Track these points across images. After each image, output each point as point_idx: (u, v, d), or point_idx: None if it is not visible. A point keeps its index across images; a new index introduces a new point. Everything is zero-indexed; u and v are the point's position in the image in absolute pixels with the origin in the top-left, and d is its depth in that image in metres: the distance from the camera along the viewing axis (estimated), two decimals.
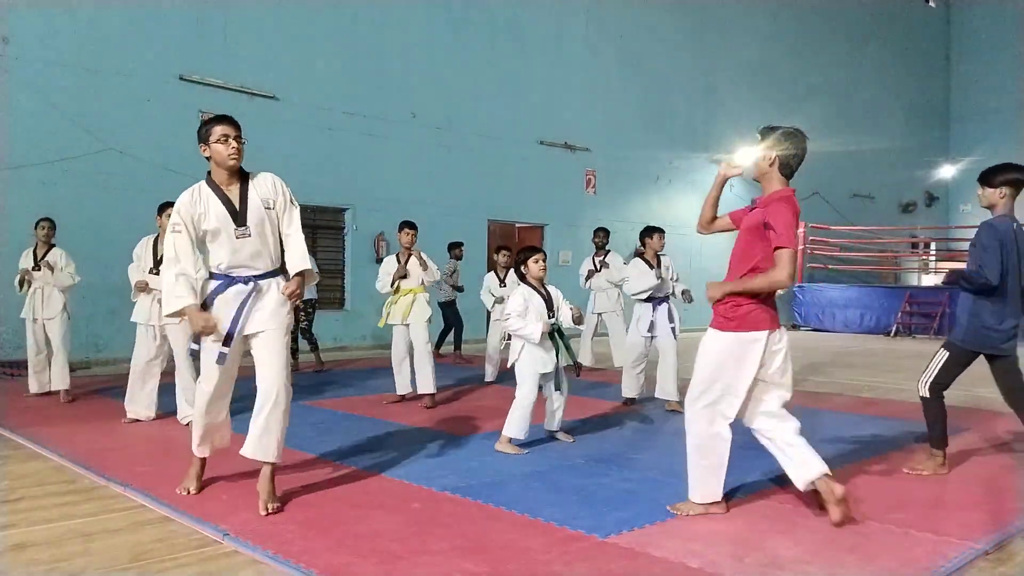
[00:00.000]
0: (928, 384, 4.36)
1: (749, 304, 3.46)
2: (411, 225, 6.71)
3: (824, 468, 3.41)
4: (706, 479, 3.56)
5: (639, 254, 6.60)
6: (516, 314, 4.90)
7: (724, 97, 17.53)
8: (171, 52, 9.93)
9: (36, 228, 6.82)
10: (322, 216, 11.49)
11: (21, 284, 6.72)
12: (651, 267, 6.44)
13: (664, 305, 6.43)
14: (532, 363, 4.92)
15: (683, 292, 6.49)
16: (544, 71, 14.12)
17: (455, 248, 10.42)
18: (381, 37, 11.95)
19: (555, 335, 5.02)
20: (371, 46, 11.83)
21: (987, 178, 4.23)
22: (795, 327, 17.22)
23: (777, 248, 3.37)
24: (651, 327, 6.39)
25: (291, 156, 10.37)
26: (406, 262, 6.57)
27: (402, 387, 6.67)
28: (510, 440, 4.88)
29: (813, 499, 3.78)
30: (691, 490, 3.59)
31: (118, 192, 9.35)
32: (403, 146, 12.13)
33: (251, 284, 3.67)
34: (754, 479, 4.16)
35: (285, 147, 10.43)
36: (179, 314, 3.63)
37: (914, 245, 21.90)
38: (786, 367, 3.55)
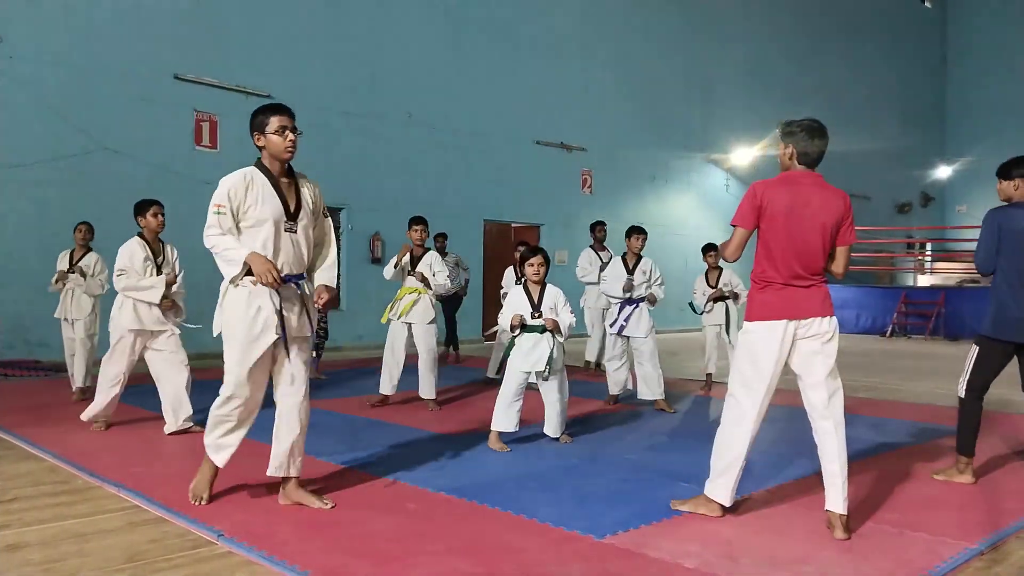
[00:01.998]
0: (964, 384, 4.24)
1: (760, 292, 3.44)
2: (419, 221, 6.45)
3: (837, 508, 3.29)
4: (716, 476, 3.52)
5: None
6: (500, 314, 5.11)
7: (720, 97, 17.55)
8: (165, 51, 9.91)
9: (74, 231, 6.84)
10: None
11: (58, 282, 6.75)
12: (628, 269, 6.51)
13: (635, 307, 6.43)
14: (516, 359, 4.97)
15: (649, 296, 6.45)
16: (540, 71, 14.13)
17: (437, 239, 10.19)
18: (377, 37, 11.94)
19: (544, 335, 4.94)
20: (367, 46, 11.82)
21: (1004, 171, 4.23)
22: None
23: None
24: (620, 328, 6.47)
25: None
26: (417, 259, 6.43)
27: (387, 387, 6.48)
28: (498, 435, 4.95)
29: (811, 498, 3.78)
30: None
31: (112, 192, 9.31)
32: (399, 146, 12.12)
33: (290, 284, 3.58)
34: (751, 480, 4.15)
35: None
36: (245, 271, 3.42)
37: (910, 245, 21.95)
38: (817, 364, 3.41)
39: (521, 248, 8.56)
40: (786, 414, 6.35)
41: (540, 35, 14.20)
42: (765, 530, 3.39)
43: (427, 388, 6.38)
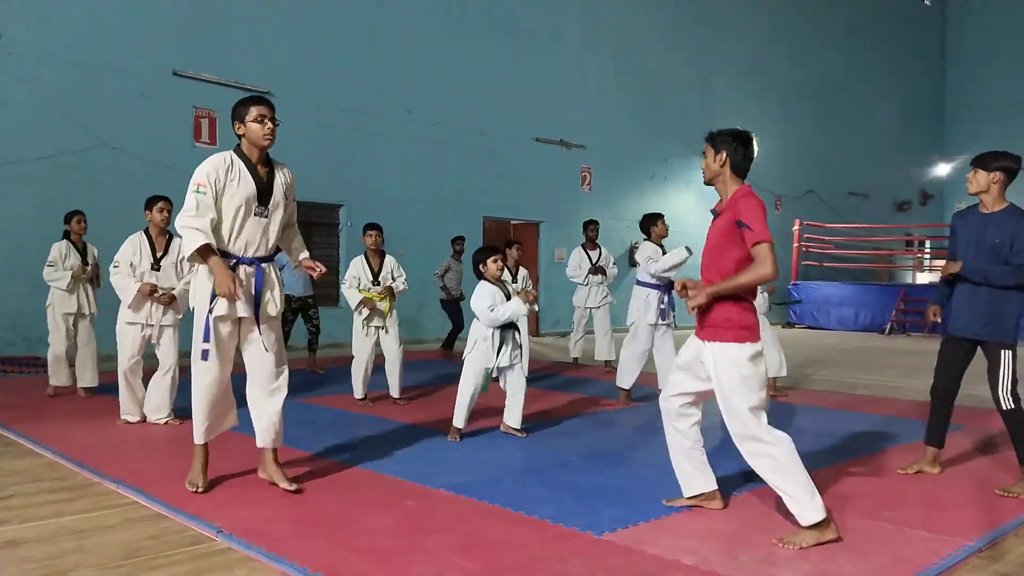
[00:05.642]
0: (1010, 393, 4.01)
1: (751, 313, 3.31)
2: (375, 226, 6.46)
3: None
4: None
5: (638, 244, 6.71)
6: (487, 307, 5.02)
7: (720, 95, 17.54)
8: (165, 47, 9.89)
9: (72, 222, 6.58)
10: (316, 212, 11.44)
11: (76, 278, 6.49)
12: (663, 252, 6.47)
13: (670, 292, 6.43)
14: (479, 358, 5.06)
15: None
16: (540, 68, 14.11)
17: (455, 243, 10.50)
18: (377, 33, 11.93)
19: (511, 331, 5.12)
20: (367, 42, 11.80)
21: (983, 162, 4.06)
22: (790, 324, 17.25)
23: (755, 244, 3.16)
24: (663, 314, 6.38)
25: (286, 152, 10.23)
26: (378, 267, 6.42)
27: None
28: (458, 430, 5.08)
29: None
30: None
31: (111, 188, 9.30)
32: (398, 143, 12.11)
33: (255, 265, 3.75)
34: (750, 477, 4.16)
35: (280, 143, 10.19)
36: (200, 258, 3.57)
37: (909, 243, 21.95)
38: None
39: (516, 247, 8.55)
40: (785, 412, 6.35)
41: (540, 31, 14.18)
42: (764, 527, 3.39)
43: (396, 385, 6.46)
